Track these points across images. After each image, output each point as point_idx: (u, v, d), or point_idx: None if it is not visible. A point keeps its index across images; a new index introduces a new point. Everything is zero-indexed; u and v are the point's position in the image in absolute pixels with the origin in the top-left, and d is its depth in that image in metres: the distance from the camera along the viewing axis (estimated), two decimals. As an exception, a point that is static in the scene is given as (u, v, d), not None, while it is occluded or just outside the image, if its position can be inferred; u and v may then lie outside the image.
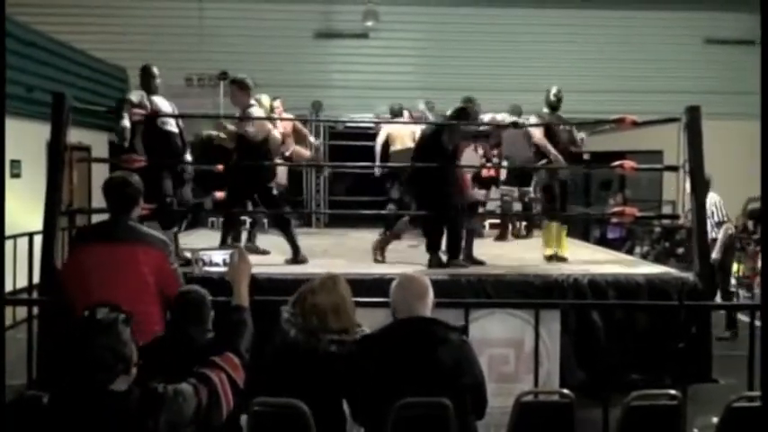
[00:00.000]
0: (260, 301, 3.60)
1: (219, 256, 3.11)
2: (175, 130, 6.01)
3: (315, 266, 5.63)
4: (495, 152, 8.83)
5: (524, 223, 9.34)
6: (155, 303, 3.48)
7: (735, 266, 9.86)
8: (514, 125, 7.30)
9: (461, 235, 6.15)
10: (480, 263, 6.18)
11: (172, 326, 3.27)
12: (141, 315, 2.67)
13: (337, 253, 7.12)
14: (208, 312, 3.21)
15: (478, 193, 8.78)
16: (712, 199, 7.51)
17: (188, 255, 5.01)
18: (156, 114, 5.83)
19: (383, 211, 8.51)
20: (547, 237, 6.56)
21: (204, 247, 5.07)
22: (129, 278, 3.33)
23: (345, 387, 3.17)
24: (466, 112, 6.30)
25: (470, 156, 8.76)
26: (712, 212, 7.44)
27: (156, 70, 6.02)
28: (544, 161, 6.71)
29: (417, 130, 8.43)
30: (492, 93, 10.40)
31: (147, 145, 5.80)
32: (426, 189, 6.15)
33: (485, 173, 9.10)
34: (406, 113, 9.10)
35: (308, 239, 8.46)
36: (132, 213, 3.59)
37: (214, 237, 8.31)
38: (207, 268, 3.16)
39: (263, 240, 7.43)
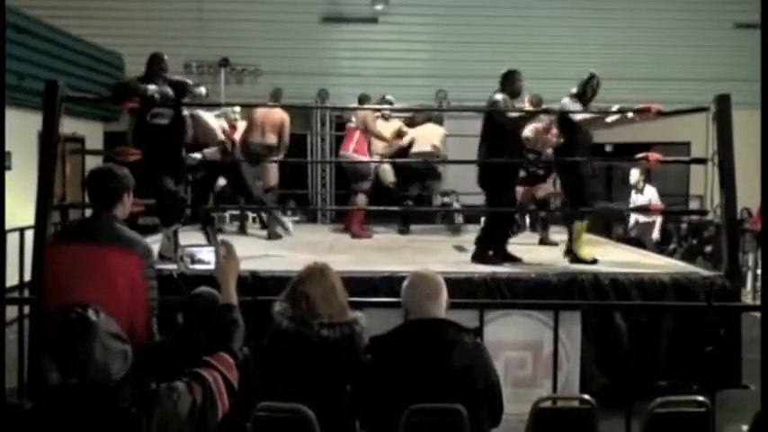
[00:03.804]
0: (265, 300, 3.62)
1: (206, 253, 3.07)
2: (167, 122, 5.98)
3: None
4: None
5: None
6: (122, 312, 3.35)
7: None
8: (546, 112, 7.23)
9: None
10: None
11: (180, 328, 3.30)
12: None
13: (343, 249, 7.13)
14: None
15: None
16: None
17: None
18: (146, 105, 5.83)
19: (392, 207, 8.60)
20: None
21: (192, 243, 5.08)
22: (98, 283, 3.20)
23: (343, 373, 3.21)
24: (511, 74, 6.32)
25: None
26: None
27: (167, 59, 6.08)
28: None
29: (438, 132, 9.06)
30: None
31: (137, 139, 5.81)
32: (498, 178, 6.26)
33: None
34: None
35: (313, 235, 8.49)
36: (115, 210, 3.42)
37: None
38: (193, 266, 3.11)
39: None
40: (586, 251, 6.33)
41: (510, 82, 6.29)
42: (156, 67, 5.95)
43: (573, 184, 6.38)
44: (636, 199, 10.46)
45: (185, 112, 6.34)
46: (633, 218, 10.68)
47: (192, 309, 3.31)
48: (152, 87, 5.79)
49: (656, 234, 10.68)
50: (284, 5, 13.09)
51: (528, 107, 7.42)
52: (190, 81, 6.27)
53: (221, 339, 2.63)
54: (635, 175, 10.47)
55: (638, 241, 10.01)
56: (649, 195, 10.37)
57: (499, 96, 6.21)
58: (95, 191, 3.47)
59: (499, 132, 6.19)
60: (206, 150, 6.52)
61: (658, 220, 10.56)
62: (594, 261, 6.19)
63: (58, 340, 2.16)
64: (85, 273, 3.22)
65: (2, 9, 4.44)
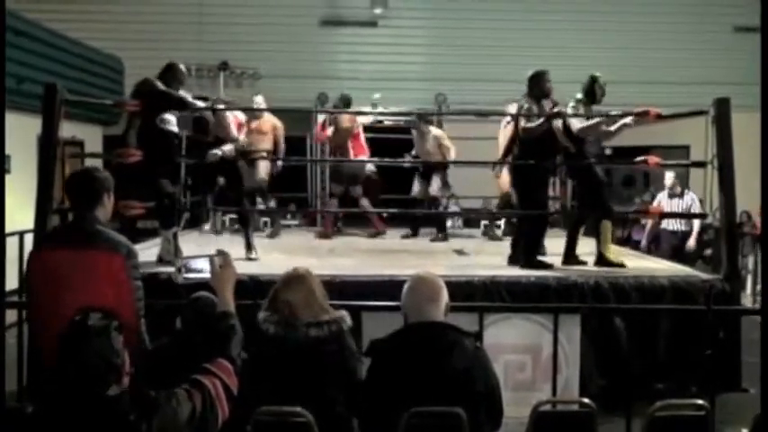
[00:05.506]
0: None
1: (202, 262, 3.05)
2: (175, 129, 6.03)
3: (320, 267, 5.61)
4: None
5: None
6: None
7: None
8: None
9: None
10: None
11: (179, 332, 3.30)
12: None
13: (343, 253, 7.12)
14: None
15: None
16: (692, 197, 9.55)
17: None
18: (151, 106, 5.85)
19: (393, 210, 8.62)
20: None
21: (194, 251, 5.08)
22: (87, 286, 3.20)
23: (337, 370, 3.25)
24: (538, 75, 6.25)
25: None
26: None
27: (183, 69, 6.19)
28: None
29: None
30: (507, 83, 10.38)
31: (141, 142, 5.81)
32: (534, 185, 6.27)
33: None
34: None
35: (313, 239, 8.50)
36: (97, 211, 3.40)
37: (211, 237, 8.35)
38: (189, 275, 3.10)
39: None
40: (614, 254, 6.25)
41: (536, 84, 6.19)
42: (170, 76, 6.00)
43: (590, 188, 6.31)
44: (671, 203, 9.59)
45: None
46: (667, 224, 9.75)
47: (191, 313, 3.33)
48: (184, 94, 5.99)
49: (692, 242, 9.69)
50: (283, 9, 13.10)
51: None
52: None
53: (220, 346, 2.64)
54: (670, 177, 9.67)
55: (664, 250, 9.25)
56: (691, 200, 9.59)
57: (521, 102, 6.25)
58: (76, 193, 3.45)
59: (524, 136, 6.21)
60: (224, 147, 6.52)
61: (696, 227, 9.61)
62: (623, 265, 6.04)
63: (62, 343, 2.16)
64: (74, 277, 3.21)
65: (2, 12, 4.45)
